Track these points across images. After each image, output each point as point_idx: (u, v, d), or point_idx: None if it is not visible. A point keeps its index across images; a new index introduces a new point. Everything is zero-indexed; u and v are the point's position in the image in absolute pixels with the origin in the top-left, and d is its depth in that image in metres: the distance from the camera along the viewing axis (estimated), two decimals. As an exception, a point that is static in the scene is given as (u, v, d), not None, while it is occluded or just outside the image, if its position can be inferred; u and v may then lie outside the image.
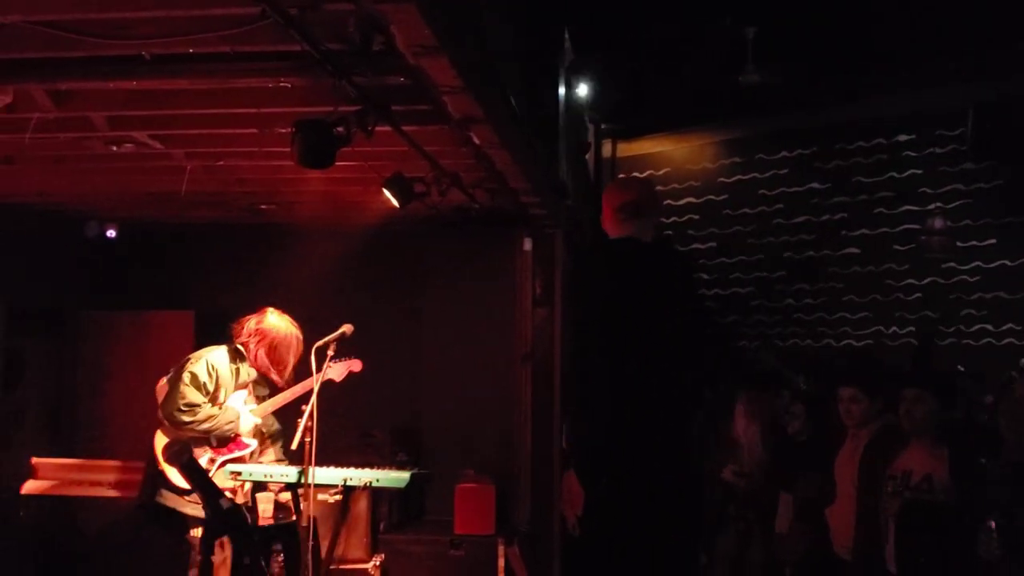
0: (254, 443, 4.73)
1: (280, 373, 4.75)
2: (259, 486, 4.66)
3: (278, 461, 4.77)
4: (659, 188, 8.84)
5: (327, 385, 4.58)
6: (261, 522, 4.69)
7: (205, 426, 4.48)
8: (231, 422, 4.57)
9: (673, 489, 3.50)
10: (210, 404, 4.54)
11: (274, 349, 4.72)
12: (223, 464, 4.60)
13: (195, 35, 2.93)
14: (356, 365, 4.81)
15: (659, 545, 3.50)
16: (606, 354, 3.45)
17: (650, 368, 3.39)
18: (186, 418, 4.44)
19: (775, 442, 5.13)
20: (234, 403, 4.66)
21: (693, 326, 3.51)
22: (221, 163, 4.55)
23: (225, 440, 4.64)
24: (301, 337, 4.78)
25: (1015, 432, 3.69)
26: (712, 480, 5.11)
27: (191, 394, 4.47)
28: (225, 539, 4.15)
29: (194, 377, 4.52)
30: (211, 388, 4.56)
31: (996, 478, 3.69)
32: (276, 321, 4.76)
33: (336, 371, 4.68)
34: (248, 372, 4.74)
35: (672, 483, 3.50)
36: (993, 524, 3.44)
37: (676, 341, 3.42)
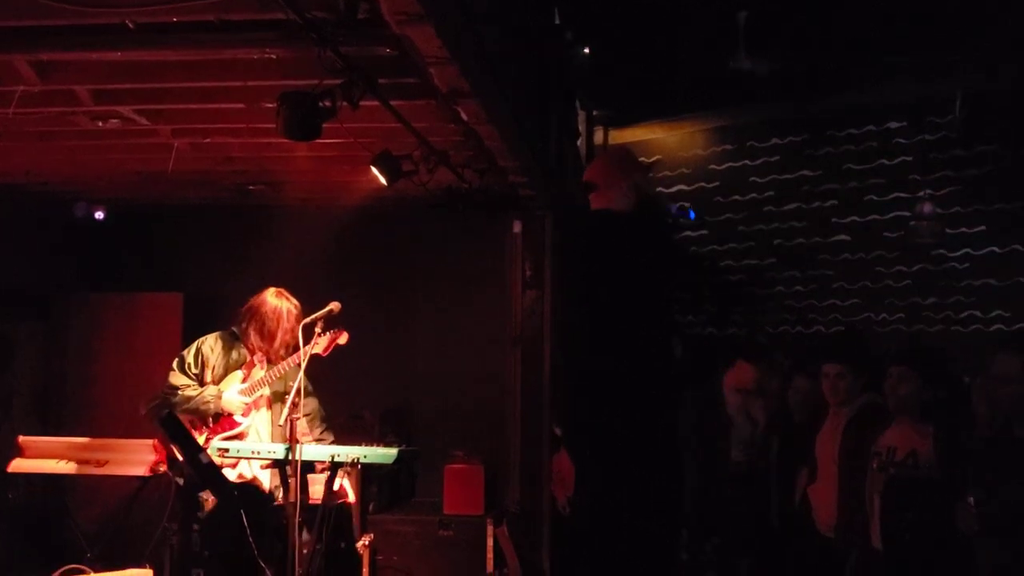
0: (246, 421, 4.77)
1: (269, 346, 4.77)
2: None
3: (318, 440, 4.74)
4: (650, 176, 8.78)
5: (314, 361, 4.58)
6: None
7: (185, 406, 4.68)
8: (207, 402, 4.70)
9: (658, 467, 3.51)
10: (195, 385, 4.74)
11: (263, 325, 4.77)
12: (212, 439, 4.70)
13: (179, 3, 2.92)
14: (342, 337, 4.67)
15: (646, 525, 3.50)
16: (588, 331, 3.45)
17: (628, 343, 3.37)
18: (171, 399, 4.68)
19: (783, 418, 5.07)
20: (227, 384, 4.78)
21: (667, 295, 3.50)
22: (208, 140, 4.54)
23: (214, 419, 4.75)
24: (295, 312, 4.77)
25: (990, 409, 3.70)
26: (713, 464, 5.06)
27: (172, 377, 4.75)
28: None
29: (181, 361, 4.80)
30: (196, 370, 4.78)
31: (979, 454, 3.70)
32: (268, 298, 4.80)
33: (321, 345, 4.57)
34: (243, 354, 4.85)
35: (658, 462, 3.51)
36: (972, 499, 3.45)
37: (653, 314, 3.40)
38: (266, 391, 4.81)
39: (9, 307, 6.18)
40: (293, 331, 4.68)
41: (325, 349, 4.62)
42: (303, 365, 4.33)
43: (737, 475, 5.03)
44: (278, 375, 4.72)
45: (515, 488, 5.95)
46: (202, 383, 4.77)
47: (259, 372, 4.82)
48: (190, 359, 4.79)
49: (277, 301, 4.78)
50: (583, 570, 3.66)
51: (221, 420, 4.78)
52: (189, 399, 4.69)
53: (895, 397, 4.01)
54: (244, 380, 4.81)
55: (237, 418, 4.78)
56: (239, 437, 4.75)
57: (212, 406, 4.72)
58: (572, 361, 3.60)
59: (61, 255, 6.57)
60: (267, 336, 4.77)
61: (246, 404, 4.78)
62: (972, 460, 3.70)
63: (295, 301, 4.82)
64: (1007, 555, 3.51)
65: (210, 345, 4.84)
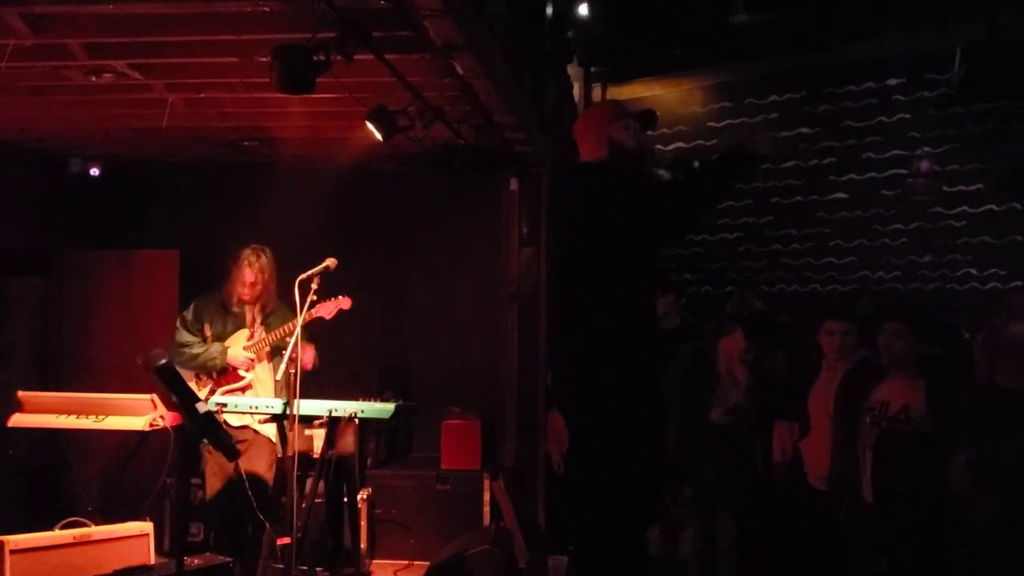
0: (249, 376, 4.99)
1: (228, 296, 4.98)
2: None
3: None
4: (649, 133, 8.72)
5: (317, 323, 4.81)
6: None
7: (192, 363, 4.95)
8: (213, 358, 4.94)
9: (641, 421, 3.53)
10: (200, 341, 4.99)
11: (228, 276, 5.01)
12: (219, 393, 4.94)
13: (171, -46, 2.89)
14: (345, 303, 4.88)
15: (634, 480, 3.53)
16: (571, 285, 3.45)
17: (607, 297, 3.36)
18: (179, 356, 4.90)
19: (761, 375, 5.09)
20: (234, 340, 5.03)
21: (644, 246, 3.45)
22: (202, 95, 4.51)
23: (220, 373, 4.99)
24: (255, 267, 4.94)
25: (989, 364, 3.69)
26: (699, 422, 5.09)
27: (179, 335, 5.02)
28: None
29: (183, 319, 5.07)
30: (198, 326, 5.03)
31: (971, 409, 3.72)
32: (238, 251, 5.00)
33: (326, 309, 4.78)
34: (239, 310, 5.07)
35: (642, 416, 3.52)
36: (963, 456, 3.49)
37: (633, 267, 3.38)
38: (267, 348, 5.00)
39: (6, 263, 6.19)
40: (254, 285, 4.92)
41: (330, 314, 4.80)
42: (299, 322, 4.40)
43: (721, 431, 5.08)
44: (282, 334, 4.85)
45: (511, 443, 6.00)
46: (205, 339, 4.99)
47: (262, 331, 5.02)
48: (190, 316, 5.04)
49: (241, 254, 4.97)
50: (572, 524, 3.70)
51: (227, 374, 5.00)
52: (196, 356, 4.94)
53: (889, 352, 4.03)
54: (250, 338, 5.03)
55: (241, 372, 5.00)
56: (245, 389, 4.97)
57: (219, 362, 4.95)
58: (556, 316, 3.61)
59: (57, 212, 6.55)
60: (230, 286, 4.98)
61: (250, 359, 4.98)
62: (967, 416, 3.72)
63: (263, 259, 4.95)
64: (998, 509, 3.54)
65: (205, 302, 5.07)
